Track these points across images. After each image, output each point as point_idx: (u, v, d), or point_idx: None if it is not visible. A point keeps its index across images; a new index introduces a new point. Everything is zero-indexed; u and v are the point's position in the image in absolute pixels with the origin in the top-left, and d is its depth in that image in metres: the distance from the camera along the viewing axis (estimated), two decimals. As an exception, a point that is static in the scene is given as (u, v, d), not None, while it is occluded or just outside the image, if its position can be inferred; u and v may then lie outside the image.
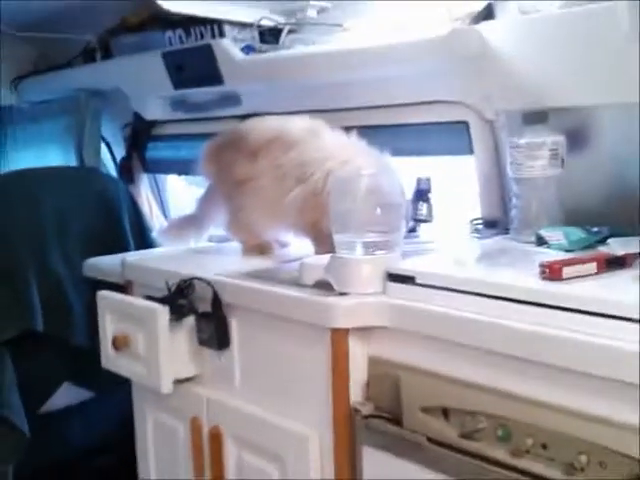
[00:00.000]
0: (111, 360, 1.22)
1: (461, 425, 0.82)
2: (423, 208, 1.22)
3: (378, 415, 0.91)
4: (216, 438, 1.09)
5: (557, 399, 0.74)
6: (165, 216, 2.15)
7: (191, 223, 1.47)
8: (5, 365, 1.56)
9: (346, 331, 0.92)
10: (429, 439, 0.85)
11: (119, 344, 1.19)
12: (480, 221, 1.27)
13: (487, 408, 0.80)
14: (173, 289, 1.14)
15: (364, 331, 0.92)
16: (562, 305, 0.75)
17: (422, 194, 1.22)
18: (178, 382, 1.14)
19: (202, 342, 1.12)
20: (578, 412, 0.72)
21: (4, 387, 1.53)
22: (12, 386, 1.54)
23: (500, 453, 0.78)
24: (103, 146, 2.26)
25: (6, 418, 1.51)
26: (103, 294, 1.27)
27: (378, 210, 1.01)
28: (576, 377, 0.72)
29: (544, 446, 0.75)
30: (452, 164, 1.38)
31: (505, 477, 0.78)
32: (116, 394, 1.57)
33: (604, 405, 0.70)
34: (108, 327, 1.23)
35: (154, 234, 1.87)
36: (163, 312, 1.11)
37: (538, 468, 0.75)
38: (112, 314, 1.23)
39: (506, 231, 1.17)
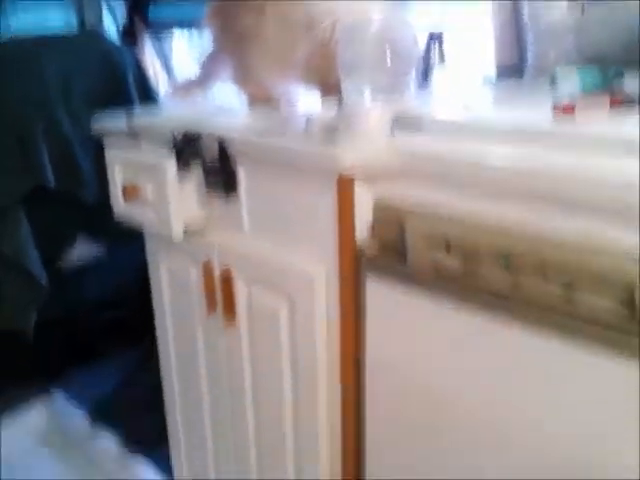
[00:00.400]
0: (122, 210, 1.25)
1: (464, 257, 0.85)
2: (435, 54, 1.19)
3: (383, 253, 0.94)
4: (227, 279, 1.14)
5: (560, 230, 0.76)
6: (170, 78, 2.12)
7: (197, 83, 1.45)
8: (20, 220, 1.61)
9: (353, 175, 0.93)
10: (433, 273, 0.88)
11: (129, 194, 1.21)
12: (495, 67, 1.24)
13: (490, 241, 0.82)
14: (180, 139, 1.14)
15: (371, 175, 0.93)
16: (574, 143, 0.75)
17: (434, 40, 1.19)
18: (189, 231, 1.17)
19: (210, 189, 1.13)
20: (578, 242, 0.75)
21: (21, 240, 1.58)
22: (28, 239, 1.60)
23: (502, 282, 0.82)
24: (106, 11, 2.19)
25: (25, 268, 1.57)
26: (111, 147, 1.27)
27: (388, 55, 0.98)
28: (581, 210, 0.73)
29: (544, 274, 0.78)
30: (467, 9, 1.33)
31: (507, 306, 0.81)
32: (128, 250, 1.63)
33: (608, 232, 0.72)
34: (117, 179, 1.25)
35: (160, 96, 1.86)
36: (171, 161, 1.12)
37: (538, 295, 0.79)
38: (121, 166, 1.24)
39: (521, 77, 1.15)
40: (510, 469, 0.89)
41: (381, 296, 0.97)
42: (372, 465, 1.09)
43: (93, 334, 2.13)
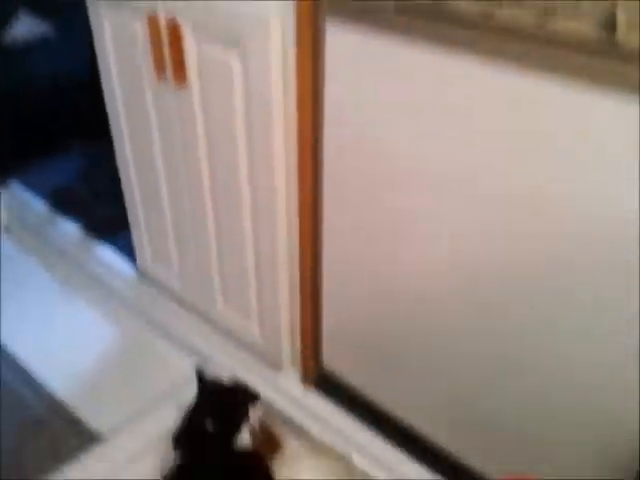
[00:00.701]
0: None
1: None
2: None
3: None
4: (175, 34, 1.04)
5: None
6: None
7: None
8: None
9: None
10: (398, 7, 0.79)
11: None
12: None
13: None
14: None
15: None
16: None
17: None
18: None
19: None
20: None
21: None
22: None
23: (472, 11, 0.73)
24: None
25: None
26: None
27: None
28: None
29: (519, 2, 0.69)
30: None
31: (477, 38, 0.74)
32: (76, 29, 1.48)
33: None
34: None
35: None
36: None
37: (513, 23, 0.71)
38: None
39: None
40: (479, 223, 0.86)
41: (341, 41, 0.87)
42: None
43: (49, 123, 2.03)
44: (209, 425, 1.16)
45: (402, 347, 1.08)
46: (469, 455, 1.08)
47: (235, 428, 1.17)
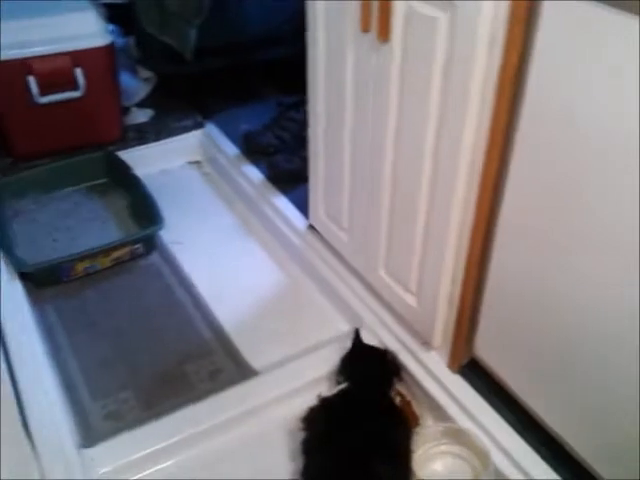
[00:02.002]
0: None
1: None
2: None
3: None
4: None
5: None
6: None
7: None
8: None
9: None
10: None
11: None
12: None
13: None
14: None
15: None
16: None
17: None
18: None
19: None
20: None
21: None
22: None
23: None
24: None
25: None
26: None
27: None
28: None
29: None
30: None
31: None
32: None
33: None
34: None
35: None
36: None
37: None
38: None
39: None
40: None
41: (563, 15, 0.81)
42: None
43: (250, 71, 2.14)
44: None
45: (564, 357, 1.01)
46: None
47: (379, 392, 1.19)
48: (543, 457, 1.10)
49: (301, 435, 1.13)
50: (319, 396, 1.20)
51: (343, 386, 1.18)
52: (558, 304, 0.99)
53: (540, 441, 1.12)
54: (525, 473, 1.08)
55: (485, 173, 1.01)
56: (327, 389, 1.27)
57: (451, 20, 0.94)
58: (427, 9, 0.98)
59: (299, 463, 1.11)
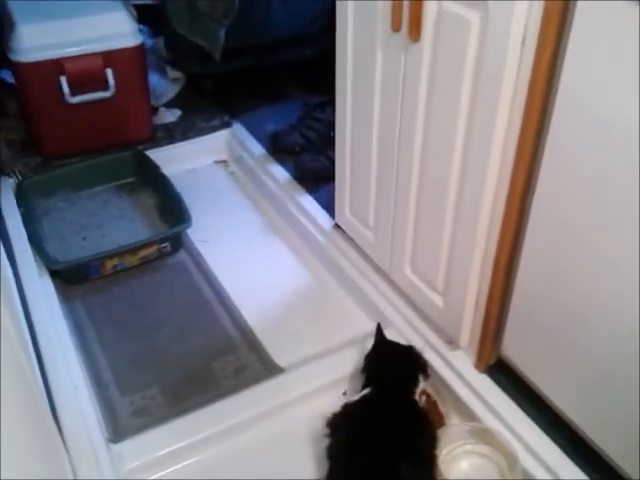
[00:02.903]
0: None
1: None
2: None
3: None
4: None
5: None
6: None
7: None
8: None
9: None
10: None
11: None
12: None
13: None
14: None
15: None
16: None
17: None
18: None
19: None
20: None
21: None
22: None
23: None
24: None
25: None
26: None
27: None
28: None
29: None
30: None
31: None
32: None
33: None
34: None
35: None
36: None
37: None
38: None
39: None
40: None
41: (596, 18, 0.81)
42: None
43: (277, 72, 2.15)
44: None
45: (593, 356, 1.00)
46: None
47: (404, 389, 1.18)
48: (571, 457, 1.09)
49: (326, 441, 1.13)
50: (343, 403, 1.19)
51: (366, 391, 1.17)
52: (588, 303, 0.98)
53: (568, 441, 1.11)
54: (552, 473, 1.08)
55: (515, 172, 1.01)
56: (351, 388, 1.28)
57: (483, 20, 0.94)
58: (459, 9, 0.98)
59: (324, 469, 1.12)
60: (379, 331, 1.29)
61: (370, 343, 1.29)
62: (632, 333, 0.92)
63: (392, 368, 1.22)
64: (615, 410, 1.00)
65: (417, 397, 1.20)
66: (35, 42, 1.70)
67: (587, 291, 0.97)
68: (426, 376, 1.23)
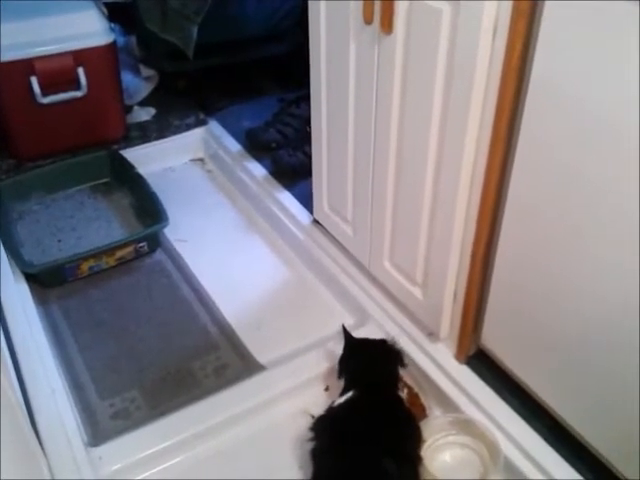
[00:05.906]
0: None
1: None
2: None
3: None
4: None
5: None
6: None
7: None
8: None
9: None
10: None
11: None
12: None
13: None
14: None
15: None
16: None
17: None
18: None
19: None
20: None
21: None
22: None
23: None
24: None
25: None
26: None
27: None
28: None
29: None
30: None
31: None
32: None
33: None
34: None
35: None
36: None
37: None
38: None
39: None
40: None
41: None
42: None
43: (251, 68, 2.13)
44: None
45: (571, 344, 1.01)
46: (628, 470, 0.99)
47: (387, 387, 1.18)
48: (552, 445, 1.10)
49: (310, 445, 1.12)
50: (327, 407, 1.18)
51: (349, 395, 1.16)
52: (564, 292, 0.98)
53: (549, 429, 1.12)
54: (534, 461, 1.08)
55: (490, 163, 1.01)
56: (333, 383, 1.27)
57: (454, 10, 0.94)
58: (430, 0, 0.98)
59: (308, 469, 1.11)
60: (346, 332, 1.26)
61: (338, 346, 1.27)
62: (609, 321, 0.93)
63: (370, 367, 1.20)
64: (594, 397, 1.01)
65: (400, 391, 1.20)
66: (4, 41, 1.67)
67: (563, 280, 0.98)
68: (403, 365, 1.22)
